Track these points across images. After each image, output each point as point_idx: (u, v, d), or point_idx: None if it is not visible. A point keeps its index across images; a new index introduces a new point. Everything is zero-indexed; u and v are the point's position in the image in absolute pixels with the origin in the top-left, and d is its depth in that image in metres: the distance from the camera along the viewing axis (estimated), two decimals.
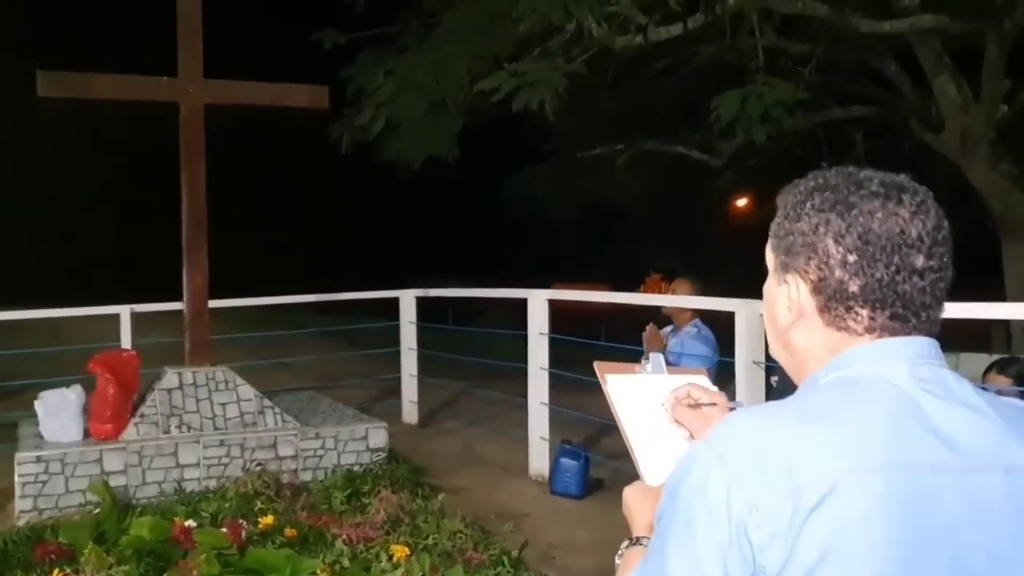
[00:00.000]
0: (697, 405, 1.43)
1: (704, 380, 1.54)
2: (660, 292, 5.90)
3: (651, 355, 1.57)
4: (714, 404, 1.43)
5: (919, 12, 8.82)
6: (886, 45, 10.46)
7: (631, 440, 1.42)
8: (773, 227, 1.23)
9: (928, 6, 8.84)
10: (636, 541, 1.28)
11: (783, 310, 1.20)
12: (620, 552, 1.30)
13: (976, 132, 9.69)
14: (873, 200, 1.12)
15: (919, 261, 1.11)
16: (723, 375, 4.79)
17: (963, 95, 9.71)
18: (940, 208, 1.14)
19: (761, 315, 4.48)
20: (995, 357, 5.11)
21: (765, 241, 1.24)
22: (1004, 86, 9.59)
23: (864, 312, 1.13)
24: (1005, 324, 10.11)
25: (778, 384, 4.97)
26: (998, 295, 9.48)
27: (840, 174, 1.18)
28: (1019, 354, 7.14)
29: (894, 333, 1.13)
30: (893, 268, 1.10)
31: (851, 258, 1.12)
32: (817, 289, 1.15)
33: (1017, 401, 1.19)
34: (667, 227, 19.15)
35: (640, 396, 1.47)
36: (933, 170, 9.75)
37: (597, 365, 1.53)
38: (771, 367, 4.82)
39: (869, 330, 1.13)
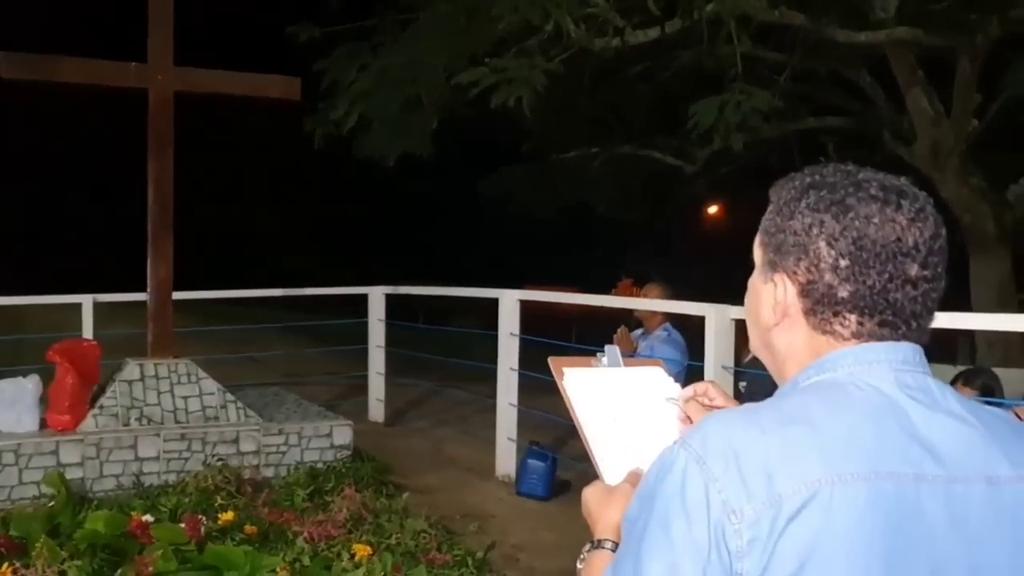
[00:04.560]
0: (710, 406, 1.36)
1: (661, 371, 1.50)
2: (631, 296, 5.89)
3: (607, 348, 1.51)
4: (725, 408, 1.36)
5: (894, 24, 8.90)
6: (861, 56, 10.56)
7: (589, 437, 1.37)
8: (764, 222, 1.18)
9: (904, 19, 8.92)
10: (598, 544, 1.22)
11: (767, 309, 1.15)
12: (582, 556, 1.25)
13: (947, 145, 9.80)
14: (871, 204, 1.08)
15: (913, 270, 1.07)
16: (692, 379, 4.77)
17: (935, 108, 9.83)
18: (939, 216, 1.10)
19: (732, 320, 4.51)
20: (960, 368, 5.15)
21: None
22: (975, 100, 9.72)
23: (852, 317, 1.09)
24: (970, 335, 10.22)
25: (747, 389, 4.98)
26: (964, 307, 9.57)
27: (838, 172, 1.13)
28: (984, 365, 7.20)
29: (882, 339, 1.10)
30: (886, 276, 1.07)
31: (843, 263, 1.07)
32: (804, 292, 1.11)
33: (998, 410, 1.16)
34: (640, 232, 19.21)
35: (598, 391, 1.42)
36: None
37: (552, 361, 1.47)
38: (740, 372, 4.82)
39: (856, 335, 1.10)
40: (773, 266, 1.14)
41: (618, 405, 1.40)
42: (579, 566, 1.25)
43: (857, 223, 1.07)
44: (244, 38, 18.70)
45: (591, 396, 1.41)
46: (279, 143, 18.36)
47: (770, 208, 1.17)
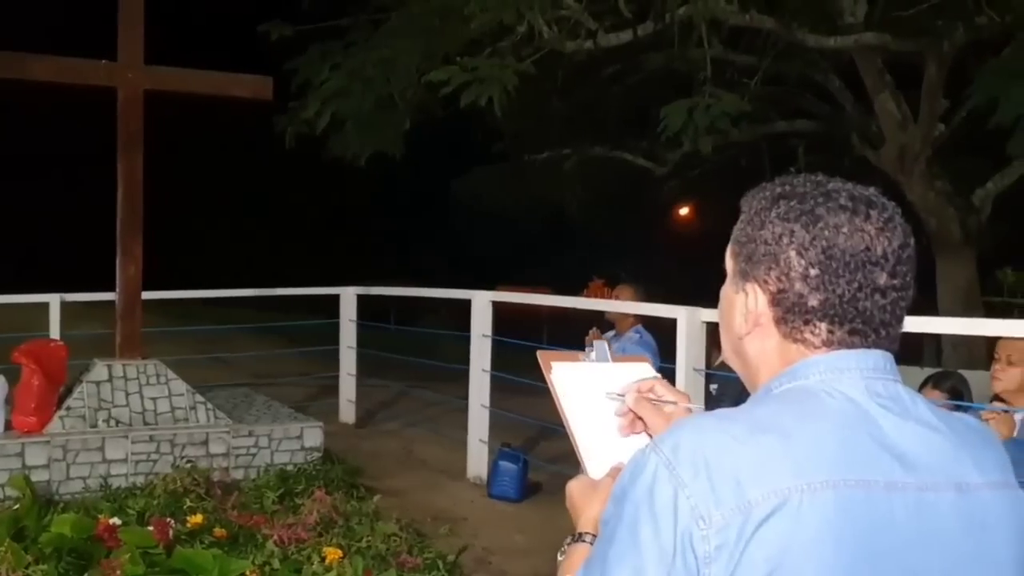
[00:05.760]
0: (660, 401, 1.37)
1: (648, 367, 1.50)
2: (603, 298, 5.92)
3: (595, 343, 1.53)
4: (675, 403, 1.36)
5: (863, 29, 9.01)
6: (830, 61, 10.67)
7: (574, 431, 1.38)
8: (735, 231, 1.19)
9: (872, 24, 9.03)
10: (579, 537, 1.24)
11: (739, 318, 1.17)
12: (562, 549, 1.27)
13: (914, 149, 9.93)
14: (840, 214, 1.09)
15: (882, 279, 1.09)
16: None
17: (902, 112, 9.95)
18: (907, 225, 1.12)
19: (703, 323, 4.54)
20: (927, 371, 5.22)
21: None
22: (942, 105, 9.85)
23: (822, 326, 1.10)
24: (936, 338, 10.34)
25: (717, 392, 5.01)
26: (931, 309, 9.69)
27: (808, 182, 1.14)
28: (950, 368, 7.30)
29: (852, 347, 1.11)
30: (855, 285, 1.08)
31: (813, 272, 1.09)
32: (775, 301, 1.12)
33: (967, 417, 1.18)
34: (612, 233, 19.27)
35: (585, 385, 1.43)
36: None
37: (540, 355, 1.48)
38: (711, 374, 4.85)
39: (827, 344, 1.11)
40: (744, 275, 1.16)
41: (605, 399, 1.41)
42: (559, 558, 1.26)
43: (827, 233, 1.08)
44: (217, 37, 18.55)
45: (578, 390, 1.42)
46: (251, 142, 18.23)
47: (741, 218, 1.18)
